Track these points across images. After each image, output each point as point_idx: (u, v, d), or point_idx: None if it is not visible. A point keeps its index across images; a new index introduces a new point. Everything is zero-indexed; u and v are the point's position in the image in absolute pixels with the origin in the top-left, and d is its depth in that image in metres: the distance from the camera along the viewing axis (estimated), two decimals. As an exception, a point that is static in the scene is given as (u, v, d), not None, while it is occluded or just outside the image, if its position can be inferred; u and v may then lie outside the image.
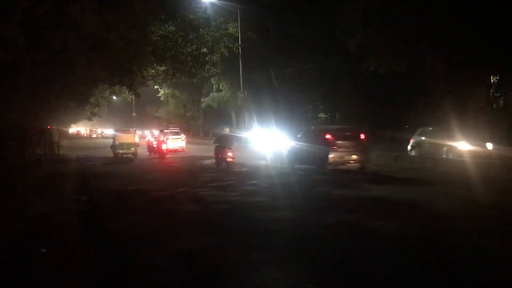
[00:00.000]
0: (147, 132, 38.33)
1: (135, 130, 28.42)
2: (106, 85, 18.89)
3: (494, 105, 21.05)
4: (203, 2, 20.46)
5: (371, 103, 26.22)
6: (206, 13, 20.27)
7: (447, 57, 17.89)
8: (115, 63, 8.93)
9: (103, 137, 58.90)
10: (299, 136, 16.95)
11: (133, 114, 66.89)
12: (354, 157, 14.72)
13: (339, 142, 14.74)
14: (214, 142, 17.41)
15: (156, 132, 27.56)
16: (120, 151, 24.24)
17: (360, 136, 15.26)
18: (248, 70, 34.38)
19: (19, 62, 5.79)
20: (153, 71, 19.68)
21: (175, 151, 26.69)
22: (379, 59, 19.11)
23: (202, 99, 45.64)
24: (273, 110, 37.55)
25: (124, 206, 10.00)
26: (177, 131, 29.46)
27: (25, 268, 5.29)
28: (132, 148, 24.33)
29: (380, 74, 20.02)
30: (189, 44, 18.69)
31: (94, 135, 75.17)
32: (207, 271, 5.25)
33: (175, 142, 27.90)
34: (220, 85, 40.52)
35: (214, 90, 42.23)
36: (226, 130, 17.74)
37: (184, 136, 29.66)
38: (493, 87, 20.81)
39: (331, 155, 14.44)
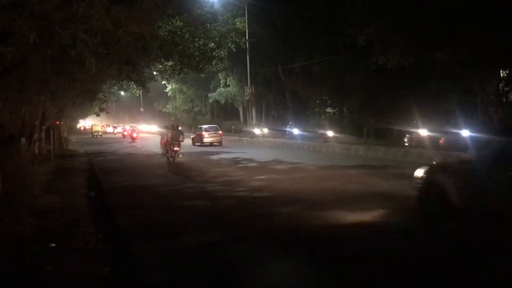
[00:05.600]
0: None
1: (105, 125, 66.38)
2: (114, 81, 18.93)
3: (504, 99, 20.86)
4: (210, -3, 20.40)
5: (379, 98, 26.08)
6: (213, 8, 20.17)
7: (456, 51, 17.71)
8: (123, 59, 8.95)
9: (104, 132, 60.96)
10: None
11: (141, 109, 67.20)
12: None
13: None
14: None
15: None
16: (95, 134, 53.69)
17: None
18: (256, 65, 34.36)
19: (28, 57, 5.83)
20: (160, 66, 19.68)
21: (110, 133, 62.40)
22: (388, 53, 18.96)
23: (209, 94, 45.72)
24: (281, 105, 37.48)
25: (133, 200, 10.08)
26: (115, 126, 67.12)
27: (34, 263, 5.33)
28: (100, 133, 55.71)
29: (388, 68, 19.87)
30: (197, 39, 18.63)
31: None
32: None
33: (111, 129, 65.13)
34: (228, 80, 40.54)
35: (221, 85, 42.26)
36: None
37: (113, 127, 66.34)
38: (503, 81, 20.61)
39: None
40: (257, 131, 31.65)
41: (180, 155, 18.63)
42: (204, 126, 31.94)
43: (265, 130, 31.99)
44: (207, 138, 29.92)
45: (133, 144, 33.45)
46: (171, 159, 18.38)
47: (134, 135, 37.77)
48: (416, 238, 6.18)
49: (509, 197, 5.61)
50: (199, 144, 29.71)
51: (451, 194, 6.41)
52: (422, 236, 6.28)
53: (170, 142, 18.35)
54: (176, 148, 18.15)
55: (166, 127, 21.75)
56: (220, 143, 29.75)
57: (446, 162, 8.30)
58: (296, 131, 29.01)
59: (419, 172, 7.34)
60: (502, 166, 5.74)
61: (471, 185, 6.28)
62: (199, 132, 30.96)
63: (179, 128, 20.52)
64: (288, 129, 31.11)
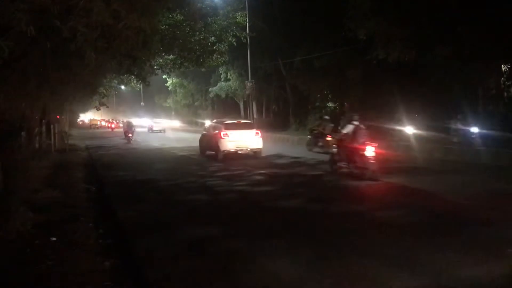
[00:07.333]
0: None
1: (101, 119, 71.68)
2: (114, 75, 18.89)
3: (505, 94, 20.79)
4: (210, -10, 20.26)
5: (380, 92, 25.97)
6: (214, 2, 20.09)
7: (457, 45, 17.63)
8: (123, 53, 8.90)
9: (101, 126, 66.06)
10: None
11: (142, 103, 67.12)
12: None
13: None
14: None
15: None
16: (92, 127, 62.19)
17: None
18: (256, 59, 34.21)
19: (28, 51, 5.79)
20: (161, 60, 19.64)
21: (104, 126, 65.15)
22: (388, 47, 18.88)
23: (210, 89, 45.60)
24: (281, 99, 37.41)
25: (133, 195, 10.07)
26: (105, 119, 72.25)
27: (35, 257, 5.33)
28: (97, 125, 64.38)
29: (389, 63, 19.79)
30: (197, 33, 18.56)
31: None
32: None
33: (104, 123, 68.71)
34: (228, 74, 40.40)
35: (222, 80, 42.13)
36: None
37: (106, 121, 69.26)
38: (504, 75, 20.52)
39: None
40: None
41: (132, 140, 28.80)
42: (154, 120, 49.55)
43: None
44: (155, 127, 45.31)
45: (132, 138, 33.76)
46: (127, 141, 28.20)
47: (113, 126, 55.32)
48: (194, 158, 17.40)
49: (207, 144, 17.88)
50: (151, 131, 44.03)
51: (202, 143, 18.61)
52: (195, 159, 17.00)
53: (126, 131, 29.21)
54: (129, 135, 28.90)
55: (123, 122, 36.09)
56: (165, 131, 44.32)
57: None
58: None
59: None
60: (205, 133, 18.81)
61: (204, 140, 18.48)
62: (151, 124, 46.48)
63: (132, 123, 32.07)
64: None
